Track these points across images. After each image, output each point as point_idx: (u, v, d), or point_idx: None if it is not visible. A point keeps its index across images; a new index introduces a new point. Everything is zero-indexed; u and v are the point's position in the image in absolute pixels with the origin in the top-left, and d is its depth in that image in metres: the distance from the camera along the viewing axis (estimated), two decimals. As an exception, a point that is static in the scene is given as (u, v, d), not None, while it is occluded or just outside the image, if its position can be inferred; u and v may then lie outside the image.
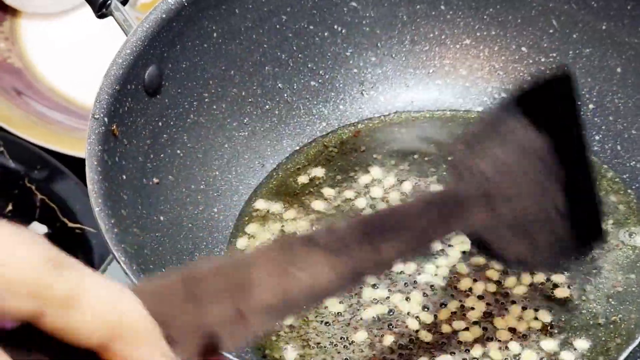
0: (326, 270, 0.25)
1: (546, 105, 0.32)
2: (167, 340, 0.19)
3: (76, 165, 0.50)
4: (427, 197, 0.35)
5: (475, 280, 0.35)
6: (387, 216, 0.32)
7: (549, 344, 0.33)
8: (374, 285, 0.35)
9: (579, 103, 0.33)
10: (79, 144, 0.48)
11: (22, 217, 0.51)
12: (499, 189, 0.32)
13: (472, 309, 0.34)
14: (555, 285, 0.34)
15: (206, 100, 0.40)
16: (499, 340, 0.33)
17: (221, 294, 0.22)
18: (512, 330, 0.33)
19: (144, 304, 0.18)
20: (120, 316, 0.17)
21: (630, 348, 0.31)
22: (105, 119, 0.34)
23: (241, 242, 0.38)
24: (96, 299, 0.17)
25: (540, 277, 0.35)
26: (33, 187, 0.53)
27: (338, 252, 0.26)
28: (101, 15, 0.39)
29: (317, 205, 0.39)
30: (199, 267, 0.23)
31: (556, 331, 0.34)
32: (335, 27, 0.41)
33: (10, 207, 0.53)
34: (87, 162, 0.35)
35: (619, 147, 0.40)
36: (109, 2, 0.38)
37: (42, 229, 0.51)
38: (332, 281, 0.25)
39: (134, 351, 0.17)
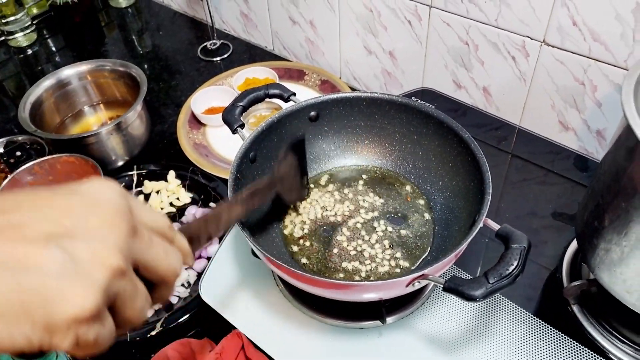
0: (239, 210, 0.53)
1: (297, 147, 0.70)
2: (190, 241, 0.39)
3: (226, 181, 0.76)
4: (265, 181, 0.61)
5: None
6: (254, 189, 0.58)
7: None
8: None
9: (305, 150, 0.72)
10: (227, 174, 0.69)
11: (207, 201, 0.93)
12: (284, 176, 0.67)
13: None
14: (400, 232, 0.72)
15: (272, 164, 0.74)
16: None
17: (212, 223, 0.46)
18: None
19: (185, 230, 0.40)
20: (182, 245, 0.36)
21: (425, 255, 0.69)
22: (235, 172, 0.66)
23: (284, 219, 0.75)
24: (179, 238, 0.37)
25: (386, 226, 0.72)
26: (211, 190, 0.95)
27: (243, 203, 0.54)
28: (234, 132, 0.70)
29: (311, 200, 0.76)
30: (206, 215, 0.46)
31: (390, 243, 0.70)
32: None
33: (202, 197, 0.94)
34: (229, 183, 0.65)
35: (420, 180, 0.76)
36: (236, 128, 0.70)
37: (213, 205, 0.92)
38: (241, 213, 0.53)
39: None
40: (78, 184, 0.31)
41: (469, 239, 0.58)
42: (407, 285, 0.57)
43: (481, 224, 0.60)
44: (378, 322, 0.67)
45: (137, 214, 0.32)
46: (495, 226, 0.59)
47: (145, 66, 1.30)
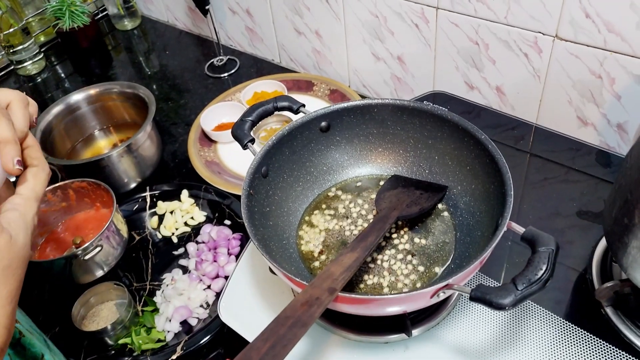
0: (351, 257, 0.59)
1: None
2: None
3: (240, 198, 0.76)
4: (373, 221, 0.66)
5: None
6: (364, 232, 0.63)
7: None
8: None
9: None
10: (240, 191, 0.72)
11: (221, 219, 0.93)
12: (396, 203, 0.69)
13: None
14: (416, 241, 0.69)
15: (285, 177, 0.74)
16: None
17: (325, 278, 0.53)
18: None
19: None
20: None
21: (447, 263, 0.67)
22: (248, 188, 0.65)
23: (300, 233, 0.73)
24: None
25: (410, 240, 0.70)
26: (225, 207, 0.95)
27: (352, 249, 0.60)
28: (244, 147, 0.69)
29: (327, 213, 0.75)
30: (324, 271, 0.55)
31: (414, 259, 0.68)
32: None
33: (216, 215, 0.95)
34: (242, 200, 0.64)
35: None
36: (247, 143, 0.68)
37: (228, 222, 0.91)
38: (355, 260, 0.58)
39: None
40: None
41: (493, 245, 0.56)
42: (431, 297, 0.55)
43: (505, 228, 0.57)
44: (403, 335, 0.65)
45: None
46: (520, 229, 0.56)
47: (154, 86, 1.29)
